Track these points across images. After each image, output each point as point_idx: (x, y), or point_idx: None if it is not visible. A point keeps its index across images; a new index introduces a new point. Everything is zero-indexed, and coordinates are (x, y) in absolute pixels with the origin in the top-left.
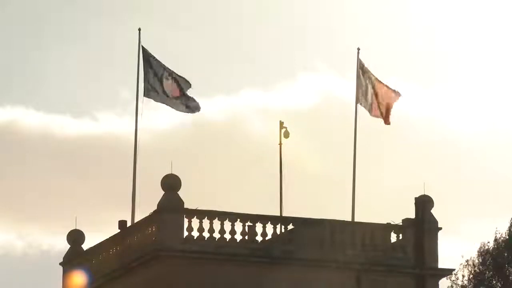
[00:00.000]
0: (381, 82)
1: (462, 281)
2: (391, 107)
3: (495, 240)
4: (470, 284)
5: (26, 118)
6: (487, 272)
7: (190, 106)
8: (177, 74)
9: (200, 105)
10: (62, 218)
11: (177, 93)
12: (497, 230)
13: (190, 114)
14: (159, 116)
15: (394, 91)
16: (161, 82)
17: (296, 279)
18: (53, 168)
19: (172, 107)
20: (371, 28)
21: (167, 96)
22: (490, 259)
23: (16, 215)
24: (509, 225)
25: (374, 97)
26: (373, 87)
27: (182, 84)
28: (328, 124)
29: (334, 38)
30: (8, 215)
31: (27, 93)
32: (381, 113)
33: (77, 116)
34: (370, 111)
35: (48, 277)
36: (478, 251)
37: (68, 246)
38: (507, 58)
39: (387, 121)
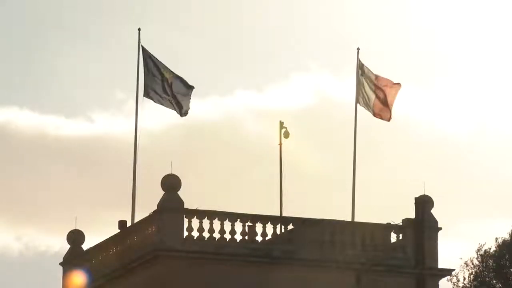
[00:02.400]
0: (380, 77)
1: (463, 283)
2: (393, 101)
3: (496, 241)
4: (471, 286)
5: (21, 118)
6: (487, 273)
7: (181, 107)
8: (177, 76)
9: (192, 107)
10: (61, 218)
11: (169, 92)
12: (497, 237)
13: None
14: (157, 117)
15: (393, 83)
16: (162, 82)
17: (296, 279)
18: (51, 168)
19: (169, 107)
20: (371, 28)
21: (166, 96)
22: (491, 260)
23: (13, 216)
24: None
25: (375, 98)
26: (374, 86)
27: (177, 85)
28: (327, 124)
29: (334, 38)
30: (5, 216)
31: (22, 94)
32: (384, 109)
33: (72, 116)
34: (373, 113)
35: (45, 278)
36: (477, 252)
37: (67, 246)
38: (507, 59)
39: (387, 117)
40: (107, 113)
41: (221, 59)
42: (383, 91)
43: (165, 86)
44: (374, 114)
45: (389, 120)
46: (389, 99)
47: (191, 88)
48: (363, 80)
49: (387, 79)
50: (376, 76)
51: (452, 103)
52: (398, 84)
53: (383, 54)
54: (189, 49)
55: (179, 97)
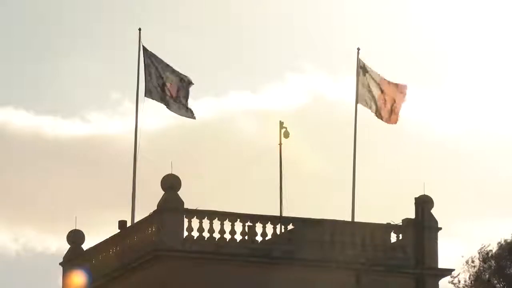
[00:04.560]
0: (385, 80)
1: (465, 283)
2: (400, 105)
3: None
4: (472, 286)
5: (16, 119)
6: (488, 273)
7: (187, 110)
8: (179, 73)
9: (191, 107)
10: (61, 218)
11: (175, 93)
12: (500, 240)
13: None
14: (157, 117)
15: (399, 87)
16: (164, 82)
17: (296, 279)
18: (50, 169)
19: (171, 110)
20: (371, 28)
21: (168, 97)
22: (493, 261)
23: (11, 217)
24: None
25: (380, 98)
26: (379, 86)
27: (180, 85)
28: (327, 124)
29: (333, 38)
30: (2, 217)
31: (18, 94)
32: (388, 112)
33: (68, 117)
34: (377, 114)
35: (43, 279)
36: (479, 252)
37: (65, 246)
38: (506, 59)
39: (394, 120)
40: (104, 114)
41: (221, 59)
42: (391, 97)
43: (165, 88)
44: (380, 117)
45: (395, 122)
46: (397, 104)
47: (190, 84)
48: (367, 79)
49: (393, 85)
50: (381, 79)
51: (452, 103)
52: (402, 85)
53: (383, 54)
54: (190, 49)
55: (183, 100)
